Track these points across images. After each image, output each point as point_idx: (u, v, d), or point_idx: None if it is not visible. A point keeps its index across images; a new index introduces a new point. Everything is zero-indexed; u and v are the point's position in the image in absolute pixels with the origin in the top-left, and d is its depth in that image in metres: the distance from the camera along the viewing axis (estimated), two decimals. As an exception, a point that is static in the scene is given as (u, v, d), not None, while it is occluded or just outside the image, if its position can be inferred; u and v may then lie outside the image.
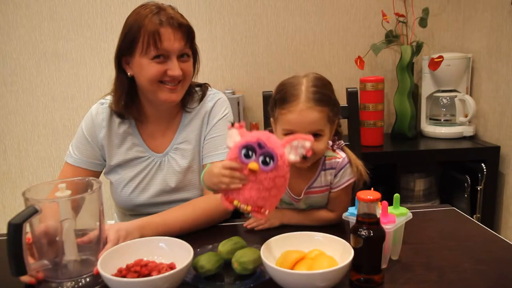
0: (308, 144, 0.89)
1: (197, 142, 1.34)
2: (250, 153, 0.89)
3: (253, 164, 0.87)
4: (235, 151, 0.90)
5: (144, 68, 1.21)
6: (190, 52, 1.26)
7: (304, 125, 1.06)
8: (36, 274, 0.89)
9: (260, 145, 0.88)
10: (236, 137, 0.92)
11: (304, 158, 0.92)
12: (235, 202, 0.91)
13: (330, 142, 1.19)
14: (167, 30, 1.18)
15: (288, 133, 1.07)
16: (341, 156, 1.17)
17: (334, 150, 1.18)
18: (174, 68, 1.20)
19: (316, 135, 1.07)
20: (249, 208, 0.90)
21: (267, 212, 0.91)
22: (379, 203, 0.92)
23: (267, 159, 0.88)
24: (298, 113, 1.05)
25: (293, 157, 0.90)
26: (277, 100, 1.11)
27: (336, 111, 1.12)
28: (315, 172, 1.16)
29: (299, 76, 1.12)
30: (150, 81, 1.22)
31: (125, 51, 1.23)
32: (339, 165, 1.16)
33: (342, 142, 1.21)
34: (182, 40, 1.21)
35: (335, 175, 1.16)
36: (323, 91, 1.08)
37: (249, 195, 0.90)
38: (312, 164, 1.14)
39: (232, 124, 0.95)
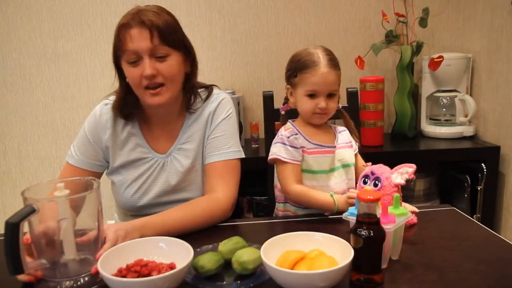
0: (411, 170, 1.12)
1: (200, 141, 1.34)
2: (366, 180, 1.19)
3: (367, 187, 1.08)
4: (359, 181, 1.21)
5: (126, 73, 1.23)
6: (167, 50, 1.20)
7: (325, 85, 1.29)
8: (35, 272, 0.89)
9: (372, 173, 1.17)
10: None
11: (409, 182, 1.13)
12: None
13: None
14: (134, 30, 1.17)
15: (310, 93, 1.30)
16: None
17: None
18: (145, 68, 1.18)
19: (332, 94, 1.31)
20: None
21: None
22: (379, 203, 0.92)
23: (377, 182, 1.15)
24: (320, 76, 1.27)
25: (399, 180, 1.12)
26: (297, 68, 1.31)
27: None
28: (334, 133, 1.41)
29: (310, 47, 1.33)
30: (134, 86, 1.23)
31: (116, 57, 1.24)
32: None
33: (340, 105, 1.44)
34: (150, 39, 1.17)
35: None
36: (334, 58, 1.32)
37: None
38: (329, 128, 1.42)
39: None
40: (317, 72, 1.27)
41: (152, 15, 1.19)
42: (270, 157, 1.34)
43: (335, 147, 1.36)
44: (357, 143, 1.45)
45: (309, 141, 1.34)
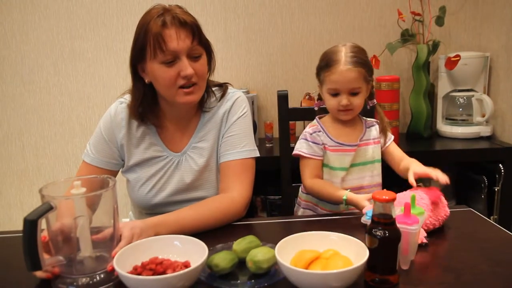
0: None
1: (215, 140, 1.34)
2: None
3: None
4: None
5: (157, 74, 1.21)
6: (201, 49, 1.23)
7: (345, 83, 1.31)
8: (52, 269, 0.90)
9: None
10: None
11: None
12: None
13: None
14: (170, 30, 1.17)
15: (332, 93, 1.33)
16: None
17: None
18: (186, 68, 1.18)
19: (355, 92, 1.32)
20: None
21: None
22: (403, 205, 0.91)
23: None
24: (339, 74, 1.29)
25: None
26: (322, 67, 1.35)
27: (370, 73, 1.35)
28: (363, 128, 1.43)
29: (339, 45, 1.36)
30: (165, 87, 1.22)
31: (138, 58, 1.23)
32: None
33: (375, 101, 1.46)
34: (188, 39, 1.19)
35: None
36: (358, 55, 1.32)
37: None
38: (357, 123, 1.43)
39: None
40: (336, 70, 1.30)
41: (186, 14, 1.20)
42: (294, 152, 1.43)
43: (357, 145, 1.38)
44: (390, 138, 1.45)
45: (331, 139, 1.38)
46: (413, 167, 1.26)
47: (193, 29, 1.20)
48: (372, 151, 1.41)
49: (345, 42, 1.37)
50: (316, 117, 1.46)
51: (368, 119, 1.47)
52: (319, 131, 1.40)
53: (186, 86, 1.21)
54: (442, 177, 1.17)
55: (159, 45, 1.17)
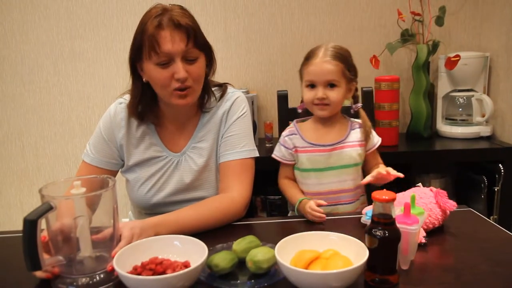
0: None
1: (215, 140, 1.34)
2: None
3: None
4: None
5: (152, 74, 1.20)
6: (197, 52, 1.21)
7: (322, 75, 1.31)
8: (52, 269, 0.91)
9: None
10: None
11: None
12: None
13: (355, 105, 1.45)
14: (165, 32, 1.15)
15: (309, 84, 1.33)
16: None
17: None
18: (179, 71, 1.17)
19: (332, 85, 1.31)
20: None
21: None
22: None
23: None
24: (315, 65, 1.31)
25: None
26: (302, 62, 1.36)
27: (352, 73, 1.36)
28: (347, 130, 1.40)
29: (323, 43, 1.36)
30: (160, 88, 1.22)
31: (135, 57, 1.22)
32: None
33: (359, 104, 1.44)
34: (183, 41, 1.17)
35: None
36: (338, 51, 1.32)
37: None
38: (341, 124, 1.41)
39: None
40: (314, 62, 1.31)
41: (184, 16, 1.18)
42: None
43: (332, 146, 1.36)
44: (373, 143, 1.41)
45: (304, 140, 1.38)
46: (371, 173, 1.27)
47: (188, 32, 1.17)
48: (356, 154, 1.37)
49: (330, 42, 1.37)
50: (294, 120, 1.45)
51: (356, 120, 1.44)
52: (293, 134, 1.39)
53: (180, 89, 1.20)
54: (393, 172, 1.23)
55: (153, 46, 1.16)
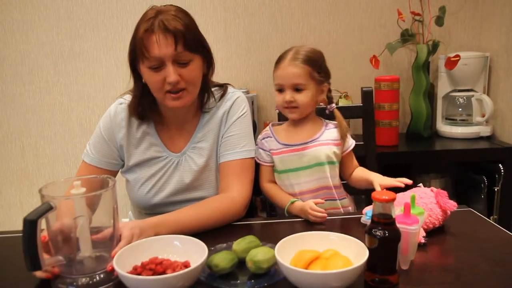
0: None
1: (215, 140, 1.34)
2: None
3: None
4: None
5: (146, 77, 1.21)
6: (189, 55, 1.20)
7: (287, 78, 1.30)
8: (52, 269, 0.91)
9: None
10: None
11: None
12: None
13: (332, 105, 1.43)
14: (155, 36, 1.15)
15: (278, 88, 1.33)
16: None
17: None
18: (169, 75, 1.17)
19: (299, 89, 1.30)
20: None
21: None
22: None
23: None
24: (282, 69, 1.31)
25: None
26: (274, 65, 1.35)
27: (323, 75, 1.34)
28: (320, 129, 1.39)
29: (294, 46, 1.35)
30: (154, 90, 1.22)
31: (133, 59, 1.23)
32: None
33: (334, 105, 1.43)
34: (171, 46, 1.15)
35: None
36: (307, 54, 1.31)
37: None
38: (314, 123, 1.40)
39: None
40: (281, 66, 1.32)
41: (174, 20, 1.16)
42: None
43: (304, 144, 1.35)
44: (349, 145, 1.40)
45: (277, 142, 1.37)
46: (378, 179, 1.28)
47: (176, 37, 1.16)
48: (331, 152, 1.35)
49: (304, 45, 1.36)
50: (270, 123, 1.44)
51: (332, 121, 1.42)
52: (268, 137, 1.39)
53: (173, 91, 1.20)
54: (407, 180, 1.22)
55: (142, 51, 1.16)
